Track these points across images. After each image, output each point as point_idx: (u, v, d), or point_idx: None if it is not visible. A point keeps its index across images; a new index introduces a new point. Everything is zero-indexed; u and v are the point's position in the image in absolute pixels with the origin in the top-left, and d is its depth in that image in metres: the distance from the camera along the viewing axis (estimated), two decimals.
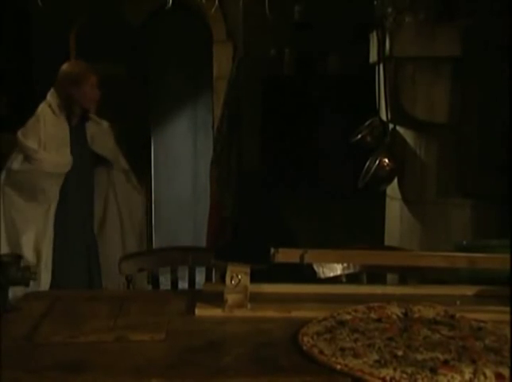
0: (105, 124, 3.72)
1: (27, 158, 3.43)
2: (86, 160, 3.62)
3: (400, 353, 1.47)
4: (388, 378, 1.36)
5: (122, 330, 1.67)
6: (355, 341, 1.55)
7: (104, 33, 5.00)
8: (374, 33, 3.33)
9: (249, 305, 1.84)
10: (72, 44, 5.17)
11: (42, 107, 3.52)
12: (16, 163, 3.45)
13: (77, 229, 3.61)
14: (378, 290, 2.06)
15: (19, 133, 3.47)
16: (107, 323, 1.73)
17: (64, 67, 3.60)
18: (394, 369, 1.38)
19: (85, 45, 5.10)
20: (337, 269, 2.45)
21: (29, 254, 3.37)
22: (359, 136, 3.49)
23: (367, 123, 3.50)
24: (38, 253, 3.45)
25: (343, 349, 1.50)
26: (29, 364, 1.50)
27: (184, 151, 6.04)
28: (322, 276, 2.43)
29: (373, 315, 1.72)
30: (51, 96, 3.54)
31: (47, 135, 3.44)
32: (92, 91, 3.53)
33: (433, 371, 1.37)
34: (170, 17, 4.81)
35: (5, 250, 3.30)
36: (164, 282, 2.60)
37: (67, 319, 1.81)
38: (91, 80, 3.52)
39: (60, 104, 3.51)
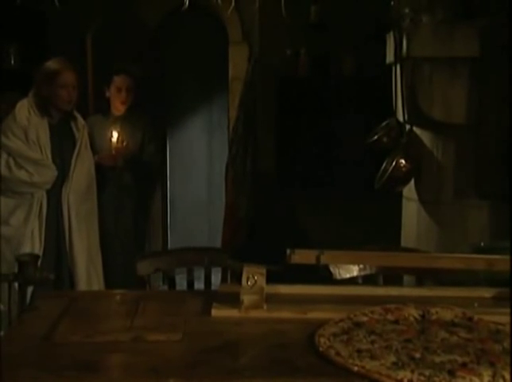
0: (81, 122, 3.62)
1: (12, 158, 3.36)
2: (69, 158, 3.51)
3: (417, 355, 1.46)
4: (406, 380, 1.35)
5: (138, 330, 1.68)
6: (372, 342, 1.54)
7: (121, 34, 5.02)
8: (391, 34, 3.32)
9: (265, 306, 1.83)
10: (89, 46, 5.20)
11: (20, 105, 3.43)
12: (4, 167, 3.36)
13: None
14: (394, 291, 2.04)
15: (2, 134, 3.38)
16: (124, 323, 1.74)
17: (45, 64, 3.48)
18: (412, 371, 1.37)
19: (102, 46, 5.13)
20: (353, 270, 2.44)
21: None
22: (376, 137, 3.48)
23: (384, 124, 3.49)
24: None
25: (359, 351, 1.49)
26: (47, 363, 1.51)
27: (200, 152, 6.05)
28: (338, 277, 2.42)
29: (390, 317, 1.71)
30: (30, 94, 3.46)
31: (29, 133, 3.38)
32: (64, 91, 3.42)
33: (451, 373, 1.36)
34: (186, 18, 4.82)
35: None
36: (179, 282, 2.61)
37: (84, 319, 1.81)
38: (64, 80, 3.40)
39: (35, 102, 3.42)
